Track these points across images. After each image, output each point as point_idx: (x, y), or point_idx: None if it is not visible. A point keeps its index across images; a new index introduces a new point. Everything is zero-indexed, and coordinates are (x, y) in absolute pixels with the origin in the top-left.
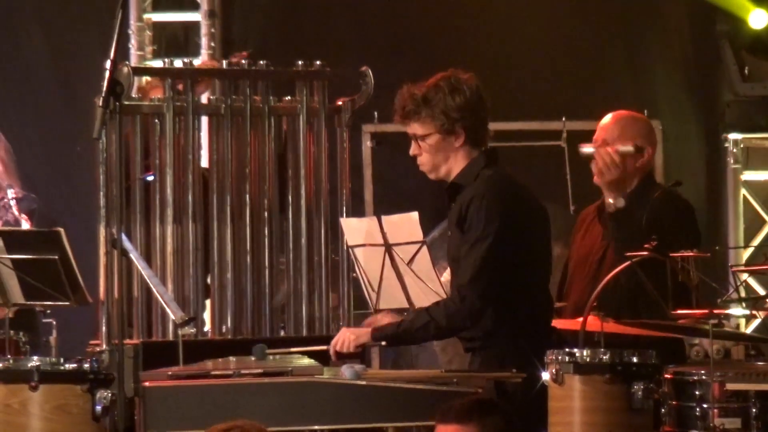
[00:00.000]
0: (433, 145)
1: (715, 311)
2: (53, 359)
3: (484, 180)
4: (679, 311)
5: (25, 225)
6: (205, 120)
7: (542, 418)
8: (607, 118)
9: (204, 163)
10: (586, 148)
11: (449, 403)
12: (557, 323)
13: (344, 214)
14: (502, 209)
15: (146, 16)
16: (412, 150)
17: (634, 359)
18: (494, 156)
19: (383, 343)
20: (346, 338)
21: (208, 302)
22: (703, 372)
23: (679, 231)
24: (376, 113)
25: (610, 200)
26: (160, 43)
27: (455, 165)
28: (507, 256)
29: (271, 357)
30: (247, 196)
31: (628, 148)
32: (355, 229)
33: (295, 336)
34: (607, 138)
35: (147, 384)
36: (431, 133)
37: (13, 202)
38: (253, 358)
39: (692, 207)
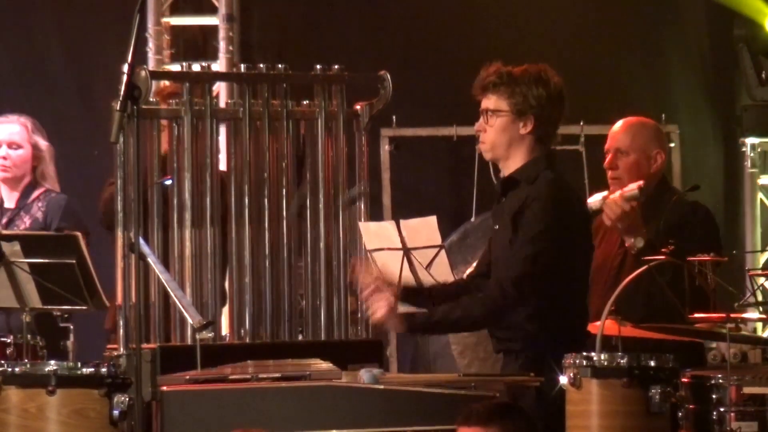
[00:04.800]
0: (500, 123)
1: (732, 315)
2: (70, 363)
3: (546, 183)
4: (697, 315)
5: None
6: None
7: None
8: (618, 126)
9: (222, 167)
10: (594, 203)
11: (472, 406)
12: None
13: (362, 218)
14: (559, 216)
15: (164, 19)
16: (478, 125)
17: (652, 363)
18: (554, 159)
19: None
20: (379, 307)
21: (226, 306)
22: (720, 376)
23: (698, 236)
24: (394, 117)
25: (632, 241)
26: (178, 47)
27: (515, 154)
28: (555, 262)
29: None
30: (266, 200)
31: (633, 191)
32: (374, 233)
33: (313, 340)
34: (619, 146)
35: (165, 388)
36: (503, 110)
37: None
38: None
39: (709, 210)
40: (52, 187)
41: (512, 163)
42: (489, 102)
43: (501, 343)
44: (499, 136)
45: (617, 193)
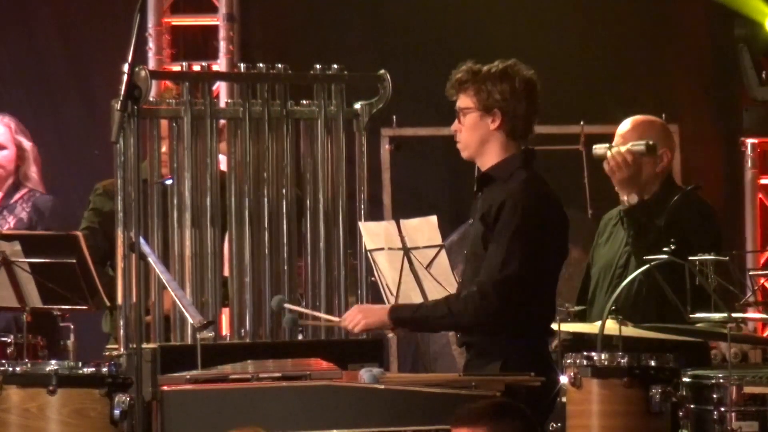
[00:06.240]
0: (470, 121)
1: (733, 315)
2: (71, 363)
3: (519, 182)
4: (698, 315)
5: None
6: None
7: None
8: (626, 124)
9: (222, 167)
10: (599, 149)
11: (465, 407)
12: (579, 327)
13: (363, 218)
14: (534, 215)
15: (165, 19)
16: (453, 125)
17: (652, 363)
18: (531, 157)
19: (389, 332)
20: (355, 320)
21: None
22: (720, 375)
23: (698, 233)
24: (394, 117)
25: (624, 198)
26: (178, 46)
27: (489, 151)
28: (532, 262)
29: (288, 311)
30: (266, 200)
31: (640, 146)
32: (374, 233)
33: (313, 339)
34: (626, 144)
35: (165, 388)
36: (470, 108)
37: None
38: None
39: (712, 208)
40: (36, 188)
41: (487, 160)
42: (460, 101)
43: (464, 336)
44: (470, 134)
45: (627, 146)
